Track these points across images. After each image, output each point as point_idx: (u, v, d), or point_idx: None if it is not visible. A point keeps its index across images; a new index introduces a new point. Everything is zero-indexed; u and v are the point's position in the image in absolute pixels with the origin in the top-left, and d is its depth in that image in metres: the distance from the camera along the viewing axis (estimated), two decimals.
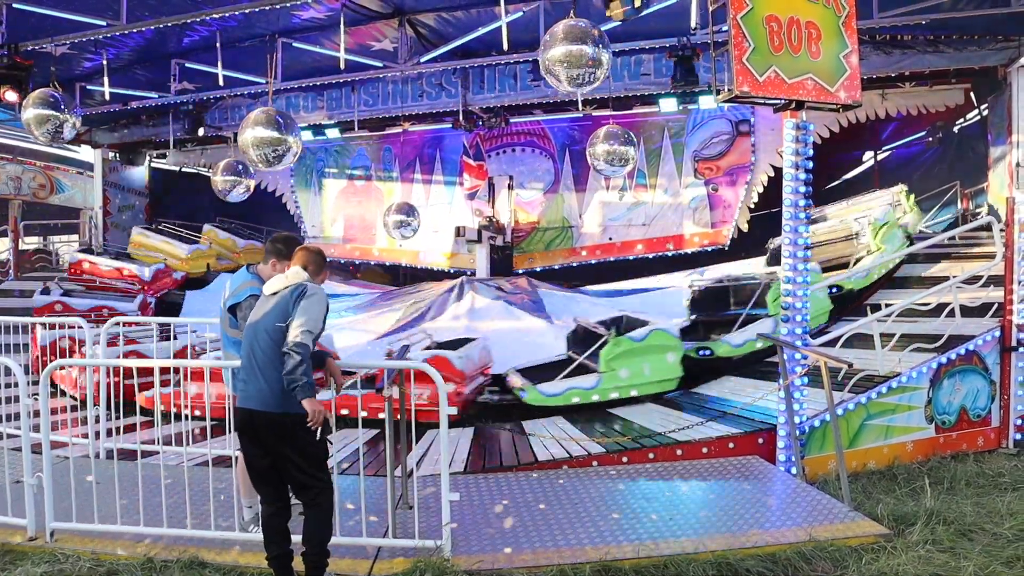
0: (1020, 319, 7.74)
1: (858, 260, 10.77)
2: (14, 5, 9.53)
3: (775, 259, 11.57)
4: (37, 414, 5.09)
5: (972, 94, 13.46)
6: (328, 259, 4.98)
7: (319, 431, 4.16)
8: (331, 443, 4.39)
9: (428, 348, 9.18)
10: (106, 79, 11.56)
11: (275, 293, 4.28)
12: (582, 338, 9.41)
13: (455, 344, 9.34)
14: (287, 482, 4.30)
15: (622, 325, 9.27)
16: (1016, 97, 11.68)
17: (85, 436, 6.74)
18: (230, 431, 5.60)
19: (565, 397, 8.56)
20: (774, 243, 12.40)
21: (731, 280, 10.47)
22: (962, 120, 14.60)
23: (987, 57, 11.82)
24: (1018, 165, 11.60)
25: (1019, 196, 8.09)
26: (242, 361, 4.29)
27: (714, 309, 10.20)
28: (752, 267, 12.61)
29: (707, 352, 9.24)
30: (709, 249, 15.41)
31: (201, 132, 15.49)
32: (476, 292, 13.69)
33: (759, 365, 9.15)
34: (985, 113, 13.11)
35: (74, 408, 7.57)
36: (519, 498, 5.81)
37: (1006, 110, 11.86)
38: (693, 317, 10.30)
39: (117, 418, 6.79)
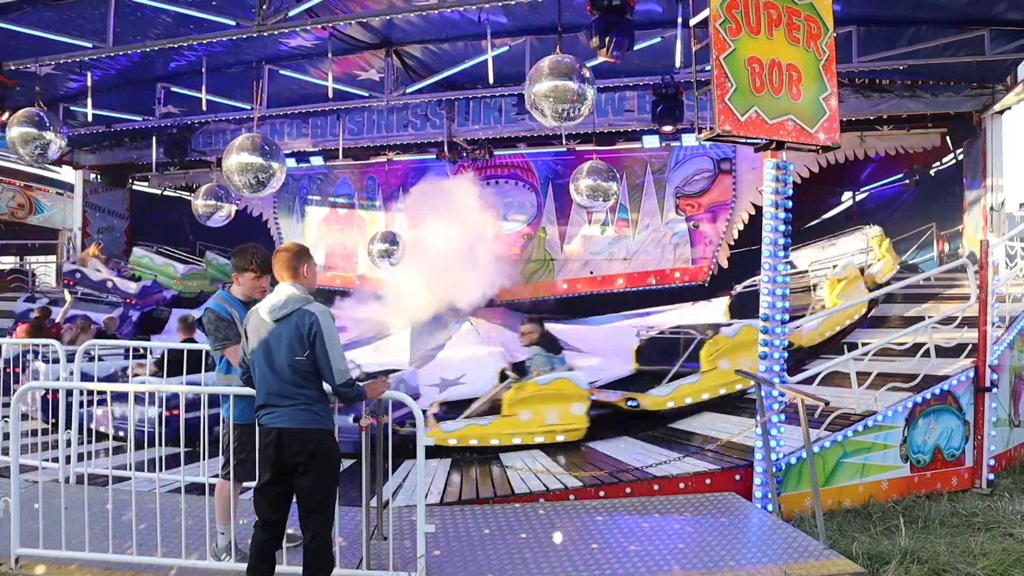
0: (993, 360, 7.84)
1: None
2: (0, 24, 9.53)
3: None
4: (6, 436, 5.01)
5: (948, 138, 13.75)
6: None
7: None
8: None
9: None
10: (90, 100, 11.55)
11: (277, 321, 4.18)
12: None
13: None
14: (299, 505, 4.26)
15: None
16: (990, 142, 11.96)
17: (55, 460, 6.63)
18: (204, 458, 5.55)
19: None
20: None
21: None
22: (938, 163, 14.89)
23: (963, 103, 12.12)
24: (992, 209, 11.82)
25: (993, 239, 8.23)
26: (261, 387, 4.23)
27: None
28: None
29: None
30: (689, 285, 15.50)
31: (185, 156, 15.47)
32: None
33: (738, 401, 9.19)
34: (961, 157, 13.38)
35: (45, 431, 7.46)
36: (495, 531, 5.76)
37: (981, 155, 12.14)
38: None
39: (89, 442, 6.69)
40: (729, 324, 9.70)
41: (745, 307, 11.47)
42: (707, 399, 9.15)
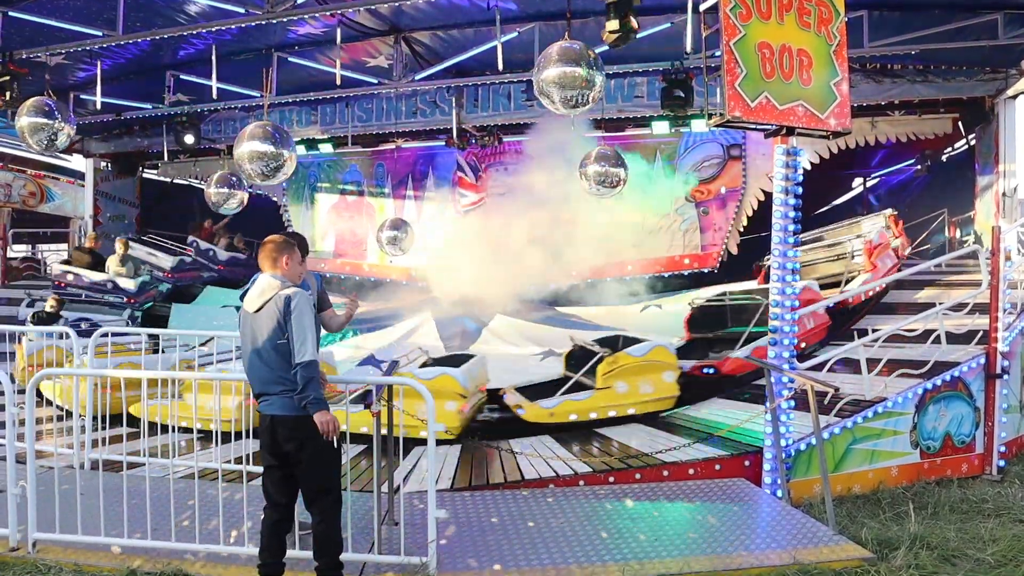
0: (1004, 347, 7.81)
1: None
2: (10, 13, 9.55)
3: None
4: (23, 423, 5.06)
5: (960, 123, 13.62)
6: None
7: (334, 440, 4.27)
8: (345, 452, 4.44)
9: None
10: (99, 89, 11.57)
11: (259, 310, 4.29)
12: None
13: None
14: (301, 490, 4.36)
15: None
16: (1003, 127, 11.86)
17: (70, 446, 6.70)
18: (217, 444, 5.60)
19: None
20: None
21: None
22: (950, 149, 14.79)
23: (975, 88, 12.01)
24: (1004, 195, 11.74)
25: (1005, 225, 8.17)
26: (252, 375, 4.35)
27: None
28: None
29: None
30: (699, 272, 15.45)
31: (194, 143, 15.48)
32: None
33: (746, 387, 9.18)
34: (973, 143, 13.27)
35: (60, 418, 7.52)
36: (506, 516, 5.80)
37: (993, 140, 12.04)
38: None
39: (103, 429, 6.75)
40: (638, 342, 9.15)
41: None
42: (595, 418, 8.63)
